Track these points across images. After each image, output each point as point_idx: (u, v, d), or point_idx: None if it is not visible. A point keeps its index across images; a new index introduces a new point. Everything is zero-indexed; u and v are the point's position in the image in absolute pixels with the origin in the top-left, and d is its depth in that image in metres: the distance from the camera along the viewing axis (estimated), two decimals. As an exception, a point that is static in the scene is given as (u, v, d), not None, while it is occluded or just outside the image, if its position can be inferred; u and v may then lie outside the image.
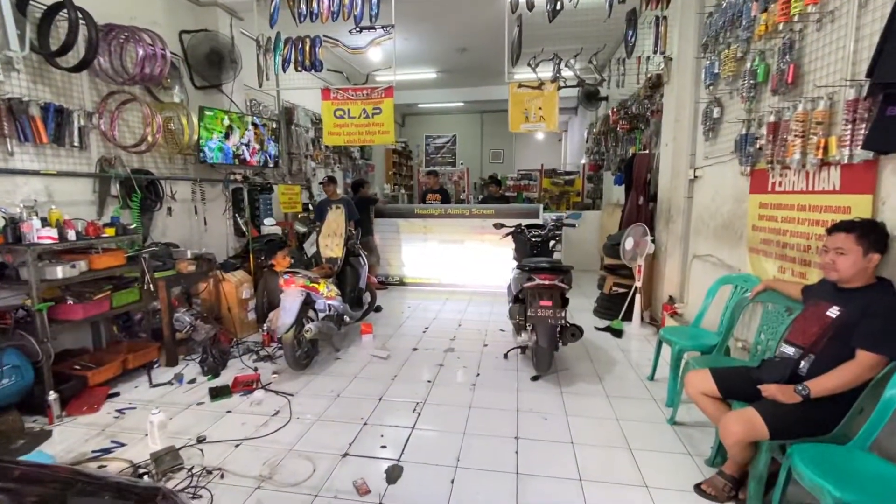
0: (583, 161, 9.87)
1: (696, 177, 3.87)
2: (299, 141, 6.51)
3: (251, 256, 4.63)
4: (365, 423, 2.69)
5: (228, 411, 2.86)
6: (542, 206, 6.21)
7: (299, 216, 6.17)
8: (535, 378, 3.29)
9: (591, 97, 7.78)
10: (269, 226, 5.12)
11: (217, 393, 3.06)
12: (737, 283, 2.97)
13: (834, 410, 1.75)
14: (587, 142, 9.00)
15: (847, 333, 1.76)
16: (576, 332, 3.15)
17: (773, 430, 1.75)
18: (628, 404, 2.93)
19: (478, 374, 3.40)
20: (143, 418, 2.57)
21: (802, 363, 1.88)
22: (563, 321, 3.11)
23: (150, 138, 3.74)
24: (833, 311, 1.84)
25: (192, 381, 3.33)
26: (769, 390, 1.82)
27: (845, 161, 2.07)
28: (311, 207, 6.18)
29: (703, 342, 2.91)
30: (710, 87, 3.50)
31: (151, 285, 3.43)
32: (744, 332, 3.02)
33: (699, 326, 3.17)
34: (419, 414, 2.80)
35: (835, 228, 1.89)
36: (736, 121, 3.07)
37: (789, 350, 1.96)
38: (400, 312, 5.22)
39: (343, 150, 8.13)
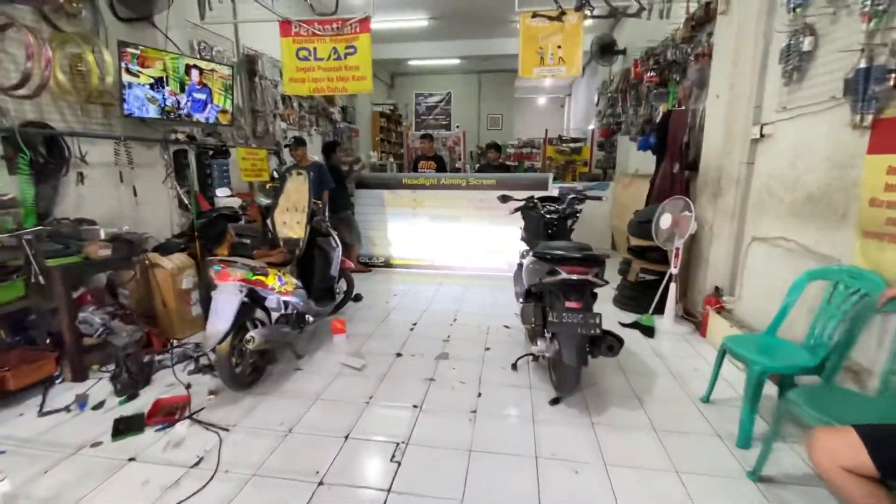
0: (591, 126, 8.90)
1: (762, 135, 2.99)
2: (265, 96, 5.48)
3: (196, 236, 3.72)
4: (321, 483, 1.88)
5: (132, 458, 2.04)
6: (551, 174, 5.31)
7: (268, 185, 5.22)
8: (554, 401, 2.49)
9: (605, 50, 6.76)
10: (223, 197, 4.20)
11: (123, 428, 2.23)
12: (839, 280, 2.15)
13: None
14: (598, 104, 8.00)
15: None
16: (613, 344, 2.32)
17: None
18: (685, 444, 2.15)
19: (479, 395, 2.59)
20: (12, 467, 1.92)
21: None
22: (598, 329, 2.28)
23: (37, 77, 2.77)
24: None
25: (100, 404, 2.49)
26: None
27: None
28: (275, 176, 5.22)
29: (793, 362, 2.11)
30: (797, 10, 2.58)
31: (40, 277, 2.55)
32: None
33: (776, 335, 2.38)
34: (399, 464, 2.00)
35: None
36: (846, 51, 2.17)
37: None
38: (384, 302, 4.37)
39: (321, 109, 7.08)
